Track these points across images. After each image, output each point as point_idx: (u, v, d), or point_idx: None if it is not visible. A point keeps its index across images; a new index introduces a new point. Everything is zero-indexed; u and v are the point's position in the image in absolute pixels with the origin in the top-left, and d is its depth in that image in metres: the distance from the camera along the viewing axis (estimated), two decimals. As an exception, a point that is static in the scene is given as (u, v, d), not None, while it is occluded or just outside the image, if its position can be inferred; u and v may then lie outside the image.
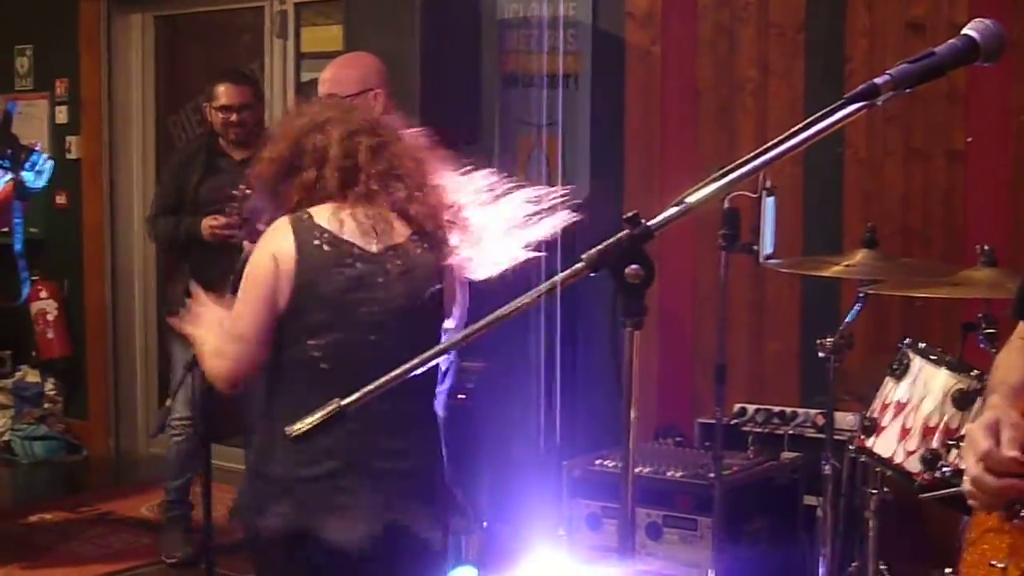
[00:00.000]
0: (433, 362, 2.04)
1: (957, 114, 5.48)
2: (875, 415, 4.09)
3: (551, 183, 6.19)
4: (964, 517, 2.89)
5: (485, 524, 5.38)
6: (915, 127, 5.57)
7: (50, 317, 8.64)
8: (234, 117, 6.28)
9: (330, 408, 2.06)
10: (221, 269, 5.58)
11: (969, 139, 5.46)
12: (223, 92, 6.29)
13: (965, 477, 2.21)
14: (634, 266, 1.88)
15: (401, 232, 3.39)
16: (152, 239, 6.85)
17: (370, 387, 2.06)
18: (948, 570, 3.97)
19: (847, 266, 4.59)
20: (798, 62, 5.87)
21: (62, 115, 8.71)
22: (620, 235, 1.89)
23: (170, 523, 6.45)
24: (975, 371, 3.90)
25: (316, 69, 7.49)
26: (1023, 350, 2.48)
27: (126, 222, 8.59)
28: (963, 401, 3.88)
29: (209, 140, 6.39)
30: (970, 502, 2.26)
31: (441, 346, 2.02)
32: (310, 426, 2.07)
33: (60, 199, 8.72)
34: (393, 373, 2.05)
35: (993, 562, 2.25)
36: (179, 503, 6.43)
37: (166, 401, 4.62)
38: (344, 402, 2.06)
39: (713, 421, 4.87)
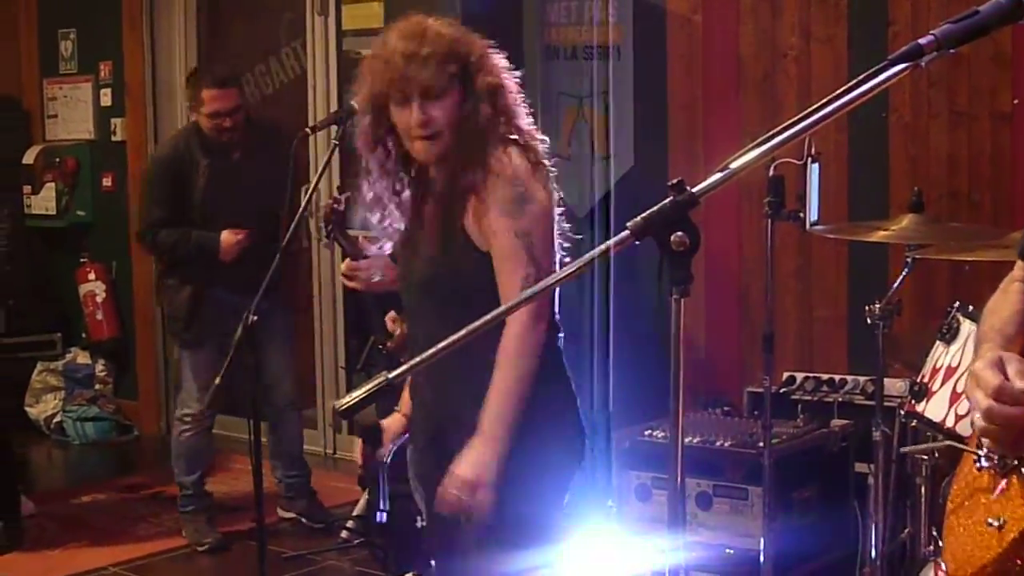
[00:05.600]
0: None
1: (1003, 76, 5.43)
2: (925, 380, 4.07)
3: (595, 154, 6.21)
4: (946, 479, 2.82)
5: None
6: (960, 90, 5.52)
7: (99, 299, 8.70)
8: (227, 123, 6.04)
9: (378, 381, 2.06)
10: (247, 275, 5.55)
11: (1016, 100, 5.41)
12: (211, 98, 6.02)
13: (976, 415, 2.16)
14: (679, 233, 1.86)
15: None
16: (149, 252, 6.57)
17: (415, 360, 2.06)
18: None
19: (894, 231, 4.57)
20: (840, 28, 5.82)
21: (106, 98, 8.76)
22: (665, 202, 1.88)
23: (192, 514, 6.40)
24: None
25: (357, 46, 7.50)
26: (1017, 292, 2.42)
27: (172, 203, 8.61)
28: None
29: (197, 140, 6.13)
30: (983, 440, 2.23)
31: (493, 313, 2.01)
32: (357, 400, 2.07)
33: (106, 182, 8.78)
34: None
35: (990, 520, 2.22)
36: (196, 496, 6.42)
37: (215, 378, 4.58)
38: (392, 375, 2.05)
39: (762, 390, 4.86)
